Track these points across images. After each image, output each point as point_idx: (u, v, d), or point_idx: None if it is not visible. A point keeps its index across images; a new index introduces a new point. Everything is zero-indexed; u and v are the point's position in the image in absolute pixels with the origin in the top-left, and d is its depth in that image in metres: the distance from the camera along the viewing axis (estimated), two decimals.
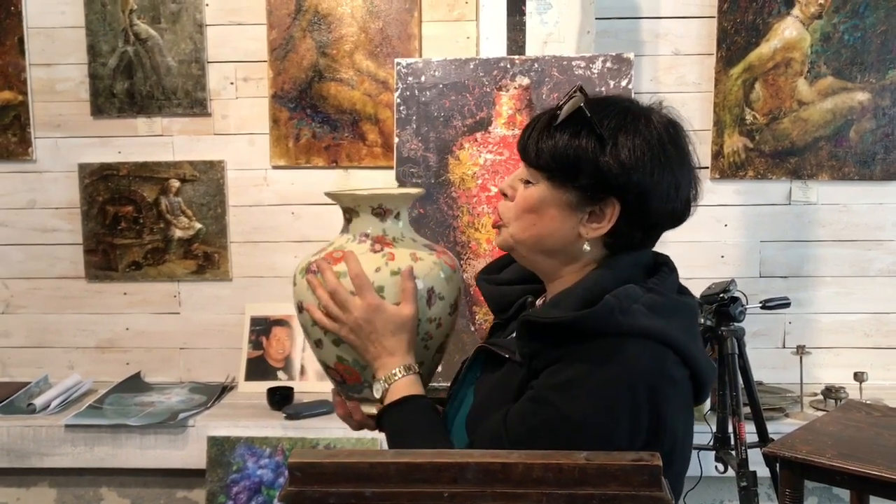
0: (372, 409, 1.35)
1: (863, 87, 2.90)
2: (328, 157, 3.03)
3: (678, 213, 1.18)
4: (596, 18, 2.65)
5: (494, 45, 2.44)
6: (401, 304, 1.28)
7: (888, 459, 1.64)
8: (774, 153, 2.94)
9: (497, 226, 1.26)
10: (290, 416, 2.70)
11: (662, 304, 1.14)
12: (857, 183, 2.95)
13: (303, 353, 3.02)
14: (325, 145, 3.03)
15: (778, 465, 1.81)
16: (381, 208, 1.34)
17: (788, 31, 2.89)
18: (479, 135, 2.17)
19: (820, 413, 2.45)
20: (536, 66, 2.14)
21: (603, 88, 2.15)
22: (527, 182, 1.20)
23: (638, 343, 1.09)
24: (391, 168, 2.99)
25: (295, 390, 2.86)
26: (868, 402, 2.37)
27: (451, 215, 2.21)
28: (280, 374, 3.02)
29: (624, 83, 2.15)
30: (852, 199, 2.97)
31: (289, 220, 3.08)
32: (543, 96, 2.15)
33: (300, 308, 1.35)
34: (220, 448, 2.67)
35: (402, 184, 2.22)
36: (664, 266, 1.25)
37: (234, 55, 3.02)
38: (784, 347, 2.99)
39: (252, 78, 3.03)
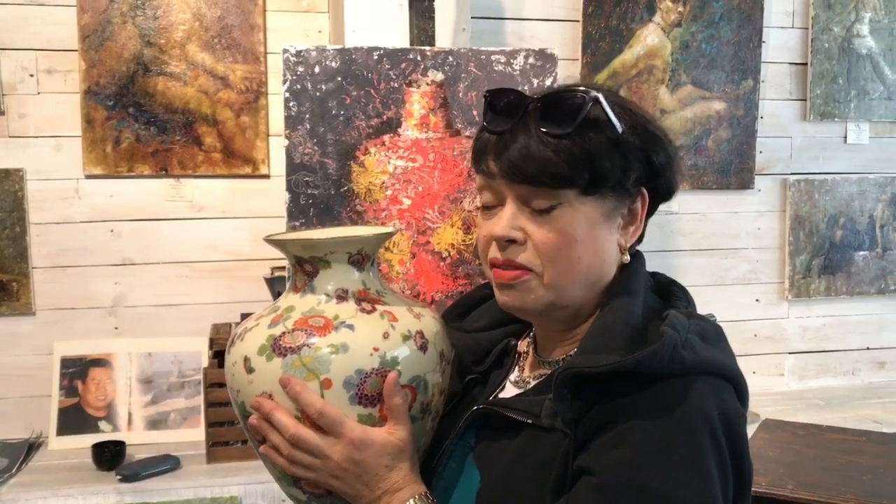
0: None
1: (719, 97, 2.91)
2: (156, 165, 2.58)
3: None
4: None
5: (365, 37, 2.15)
6: (389, 425, 0.98)
7: (852, 488, 1.55)
8: None
9: (520, 281, 0.97)
10: (126, 478, 2.23)
11: (709, 331, 0.97)
12: (714, 192, 2.96)
13: (129, 399, 2.55)
14: (153, 150, 2.57)
15: None
16: (360, 254, 1.02)
17: (651, 37, 2.84)
18: (387, 137, 1.86)
19: None
20: (451, 59, 1.87)
21: (526, 87, 1.92)
22: (546, 212, 0.95)
23: (705, 382, 0.91)
24: (234, 177, 2.62)
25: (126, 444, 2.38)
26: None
27: None
28: (102, 424, 2.51)
29: (548, 81, 1.95)
30: (710, 208, 2.98)
31: (107, 239, 2.59)
32: (460, 94, 1.88)
33: (246, 412, 1.00)
34: None
35: (295, 196, 1.86)
36: (672, 286, 1.07)
37: (34, 41, 2.49)
38: None
39: (58, 70, 2.51)
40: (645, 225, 1.03)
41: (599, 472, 0.87)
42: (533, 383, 1.04)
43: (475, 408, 1.04)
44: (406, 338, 0.99)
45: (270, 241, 1.03)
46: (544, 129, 0.94)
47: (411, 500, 0.96)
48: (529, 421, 0.96)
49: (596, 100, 0.95)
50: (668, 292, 1.05)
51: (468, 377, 1.14)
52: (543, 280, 0.97)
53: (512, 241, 0.97)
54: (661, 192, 1.02)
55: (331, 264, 1.01)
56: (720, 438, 0.89)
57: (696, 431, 0.87)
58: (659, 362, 0.88)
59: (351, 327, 0.98)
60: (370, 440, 0.96)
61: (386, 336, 0.98)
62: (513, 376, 1.09)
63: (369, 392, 0.97)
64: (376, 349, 0.97)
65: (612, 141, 0.95)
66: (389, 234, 1.06)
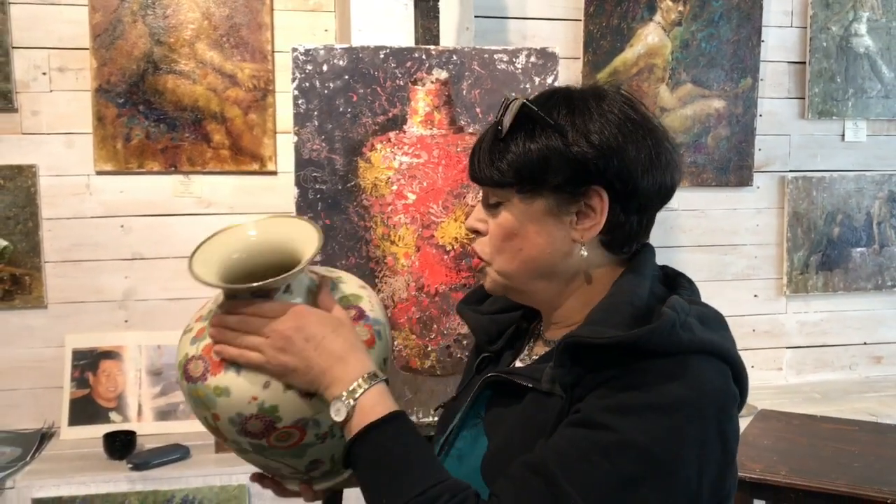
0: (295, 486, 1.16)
1: (719, 95, 2.95)
2: (165, 161, 2.63)
3: (666, 185, 1.06)
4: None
5: (370, 36, 2.19)
6: (324, 299, 1.07)
7: (844, 474, 1.60)
8: None
9: (480, 269, 1.11)
10: (136, 467, 2.28)
11: (709, 316, 1.03)
12: (714, 189, 3.00)
13: (139, 390, 2.60)
14: (162, 147, 2.62)
15: None
16: (289, 288, 1.06)
17: (651, 37, 2.89)
18: (392, 134, 1.91)
19: None
20: (455, 58, 1.91)
21: (528, 85, 1.97)
22: (494, 207, 1.06)
23: (701, 360, 0.96)
24: (242, 173, 2.67)
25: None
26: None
27: (363, 227, 1.93)
28: (113, 415, 2.57)
29: (550, 80, 1.99)
30: (710, 204, 3.02)
31: (117, 234, 2.64)
32: (464, 92, 1.92)
33: (207, 415, 1.06)
34: None
35: (303, 191, 1.91)
36: (679, 277, 1.13)
37: (47, 40, 2.54)
38: None
39: (70, 68, 2.57)
40: (631, 221, 1.05)
41: (584, 411, 0.94)
42: (536, 359, 1.12)
43: (486, 376, 1.10)
44: (288, 387, 1.02)
45: (207, 283, 1.03)
46: (494, 135, 1.05)
47: (361, 376, 1.00)
48: (530, 385, 1.03)
49: (523, 105, 1.02)
50: (676, 283, 1.10)
51: (482, 355, 1.21)
52: (494, 267, 1.08)
53: (476, 232, 1.09)
54: (622, 193, 1.02)
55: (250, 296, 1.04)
56: (708, 413, 0.94)
57: (681, 401, 0.93)
58: (657, 339, 0.94)
59: (238, 370, 1.02)
60: (308, 309, 1.03)
61: (266, 385, 1.02)
62: (522, 354, 1.16)
63: (252, 430, 1.03)
64: (255, 398, 1.02)
65: (539, 146, 1.01)
66: (305, 265, 1.05)
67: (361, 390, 0.99)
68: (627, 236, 1.06)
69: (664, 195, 1.07)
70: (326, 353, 1.00)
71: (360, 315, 1.09)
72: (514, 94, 1.07)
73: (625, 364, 0.94)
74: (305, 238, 1.06)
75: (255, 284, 1.01)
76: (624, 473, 0.90)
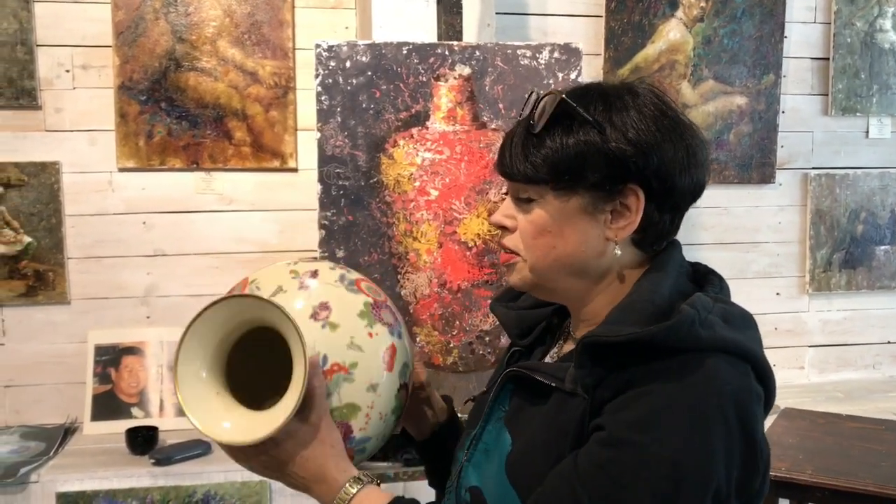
0: None
1: (741, 91, 2.93)
2: (187, 158, 2.64)
3: (700, 184, 1.05)
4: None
5: (391, 33, 2.19)
6: (306, 412, 1.02)
7: (871, 474, 1.58)
8: None
9: (510, 263, 1.08)
10: (159, 462, 2.29)
11: (734, 314, 1.01)
12: (736, 186, 2.98)
13: (160, 386, 2.61)
14: (184, 144, 2.64)
15: None
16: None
17: (673, 33, 2.87)
18: (415, 130, 1.90)
19: None
20: (478, 53, 1.91)
21: (551, 81, 1.96)
22: (526, 203, 1.04)
23: (719, 358, 0.94)
24: (263, 170, 2.68)
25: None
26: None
27: (385, 223, 1.93)
28: (135, 410, 2.58)
29: (573, 75, 1.98)
30: (732, 202, 3.00)
31: (140, 230, 2.65)
32: (487, 88, 1.92)
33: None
34: None
35: (326, 187, 1.91)
36: (710, 274, 1.11)
37: (70, 38, 2.56)
38: None
39: (93, 65, 2.58)
40: (664, 220, 1.03)
41: (608, 429, 0.93)
42: (561, 357, 1.11)
43: (507, 370, 1.10)
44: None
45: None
46: (526, 130, 1.03)
47: (346, 484, 1.03)
48: (554, 384, 1.02)
49: (562, 101, 1.00)
50: (705, 280, 1.08)
51: (513, 349, 1.21)
52: (526, 264, 1.06)
53: (503, 228, 1.07)
54: (658, 191, 1.00)
55: None
56: (728, 413, 0.92)
57: (702, 403, 0.91)
58: (674, 337, 0.93)
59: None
60: (283, 439, 1.02)
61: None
62: (552, 351, 1.15)
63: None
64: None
65: (577, 142, 0.99)
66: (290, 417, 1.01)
67: (349, 497, 1.03)
68: (659, 235, 1.04)
69: (697, 193, 1.06)
70: (304, 475, 1.04)
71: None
72: (538, 89, 1.06)
73: (644, 363, 0.93)
74: (290, 336, 1.00)
75: (252, 440, 1.00)
76: (657, 492, 0.89)
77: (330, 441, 1.04)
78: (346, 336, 1.06)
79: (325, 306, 1.07)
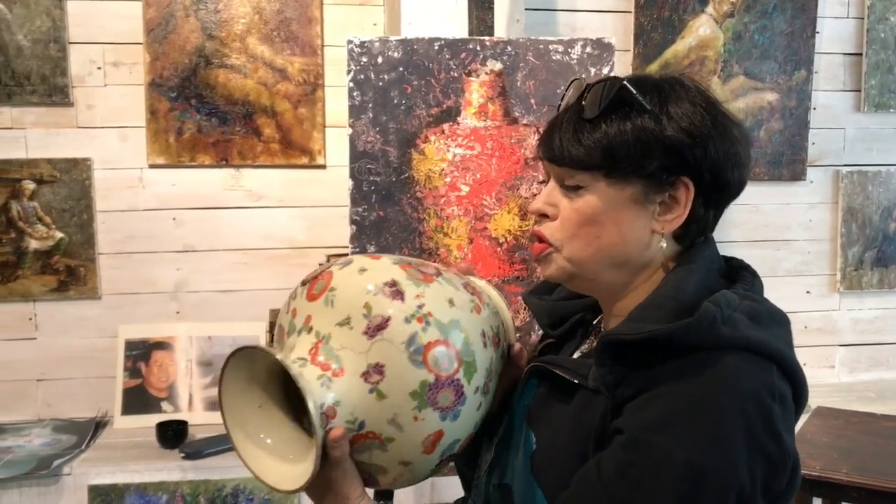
0: None
1: (772, 88, 2.90)
2: (216, 155, 2.66)
3: (744, 180, 1.03)
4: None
5: (420, 29, 2.19)
6: (324, 466, 1.00)
7: None
8: None
9: (544, 254, 1.05)
10: (188, 456, 2.31)
11: (761, 312, 0.98)
12: (766, 183, 2.95)
13: (189, 381, 2.63)
14: (213, 141, 2.65)
15: None
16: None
17: (703, 28, 2.85)
18: (446, 126, 1.90)
19: None
20: (509, 49, 1.90)
21: (584, 76, 1.95)
22: (574, 190, 1.01)
23: (740, 356, 0.92)
24: (292, 167, 2.69)
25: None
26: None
27: (416, 218, 1.93)
28: (164, 405, 2.61)
29: (605, 70, 1.97)
30: (762, 199, 2.97)
31: (170, 226, 2.67)
32: (518, 83, 1.91)
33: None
34: (106, 499, 2.24)
35: (357, 183, 1.91)
36: (743, 270, 1.08)
37: (102, 35, 2.58)
38: None
39: (124, 62, 2.60)
40: (708, 215, 1.03)
41: (628, 430, 0.91)
42: (586, 352, 1.10)
43: (531, 364, 1.09)
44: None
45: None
46: (577, 115, 1.00)
47: None
48: (576, 381, 1.01)
49: (622, 87, 0.98)
50: (738, 276, 1.06)
51: (545, 341, 1.19)
52: (563, 254, 1.03)
53: (544, 216, 1.04)
54: (709, 185, 0.99)
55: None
56: (749, 412, 0.90)
57: (721, 401, 0.89)
58: (694, 334, 0.91)
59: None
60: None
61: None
62: (583, 346, 1.14)
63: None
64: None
65: (635, 129, 0.97)
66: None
67: None
68: (700, 230, 1.03)
69: (740, 190, 1.04)
70: None
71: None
72: (582, 76, 1.05)
73: (664, 362, 0.92)
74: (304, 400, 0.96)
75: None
76: (678, 495, 0.87)
77: (344, 493, 1.02)
78: (389, 411, 0.97)
79: (379, 369, 0.97)
